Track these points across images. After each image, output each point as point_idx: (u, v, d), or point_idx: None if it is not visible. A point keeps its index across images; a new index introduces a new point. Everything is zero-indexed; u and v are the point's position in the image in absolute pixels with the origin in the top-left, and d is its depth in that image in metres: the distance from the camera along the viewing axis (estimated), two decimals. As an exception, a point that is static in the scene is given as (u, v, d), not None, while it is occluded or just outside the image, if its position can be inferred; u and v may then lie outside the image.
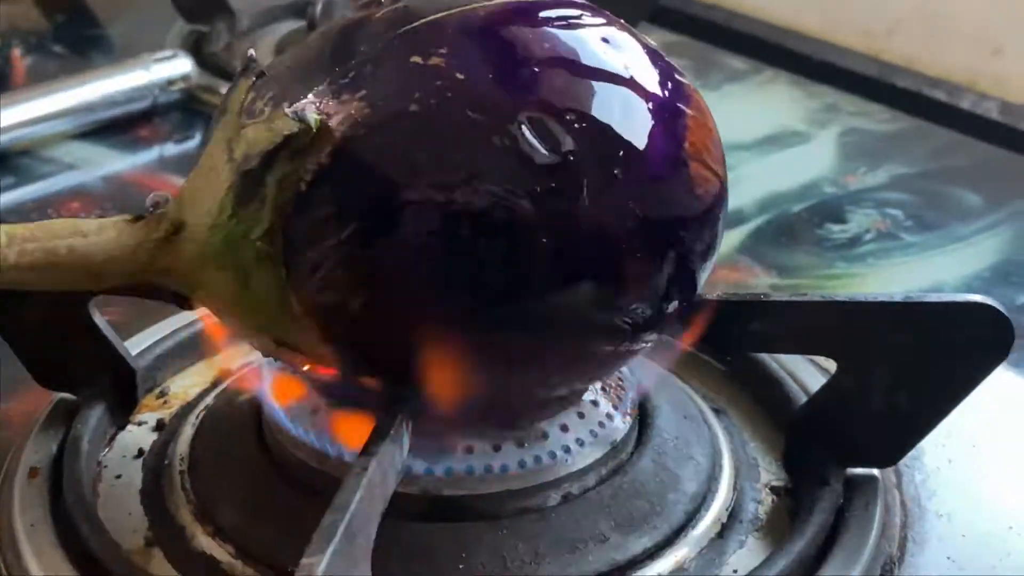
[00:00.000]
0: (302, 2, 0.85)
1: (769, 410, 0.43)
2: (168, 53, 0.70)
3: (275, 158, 0.32)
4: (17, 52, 0.82)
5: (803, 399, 0.41)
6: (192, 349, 0.45)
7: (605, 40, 0.35)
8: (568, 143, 0.32)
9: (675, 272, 0.34)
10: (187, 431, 0.40)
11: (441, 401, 0.33)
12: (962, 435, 0.42)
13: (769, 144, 0.68)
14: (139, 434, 0.42)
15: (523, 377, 0.34)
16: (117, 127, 0.68)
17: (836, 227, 0.59)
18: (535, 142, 0.32)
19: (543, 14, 0.34)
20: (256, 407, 0.39)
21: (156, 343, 0.45)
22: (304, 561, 0.26)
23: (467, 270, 0.31)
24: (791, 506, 0.39)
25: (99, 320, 0.41)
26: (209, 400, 0.42)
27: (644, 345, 0.36)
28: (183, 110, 0.71)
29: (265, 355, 0.35)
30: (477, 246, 0.31)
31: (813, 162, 0.66)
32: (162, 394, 0.44)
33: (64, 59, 0.81)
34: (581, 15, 0.35)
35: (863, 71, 0.82)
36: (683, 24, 0.92)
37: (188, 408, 0.43)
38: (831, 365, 0.44)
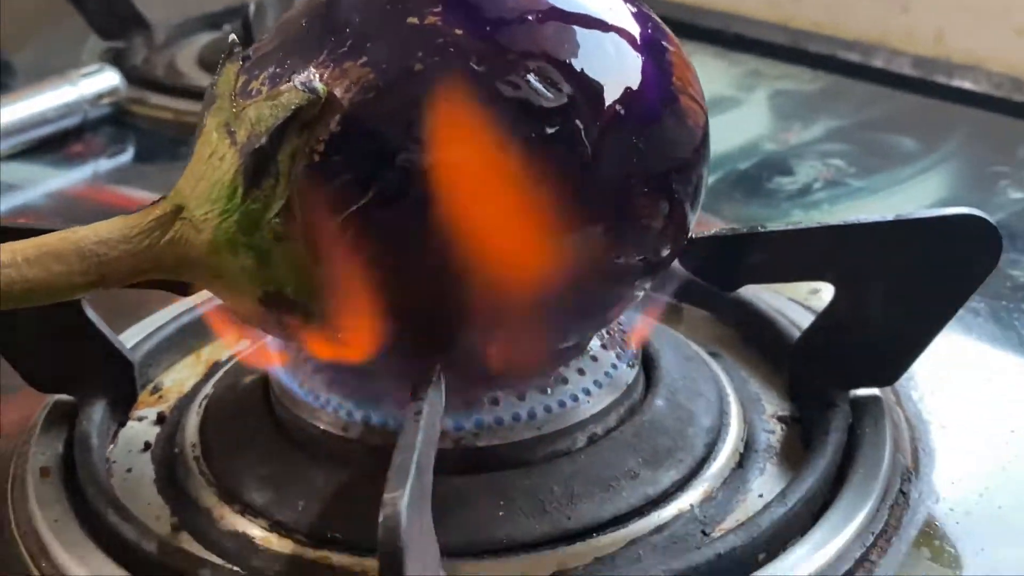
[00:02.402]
0: (218, 13, 0.85)
1: (762, 349, 0.44)
2: (94, 67, 0.69)
3: (284, 133, 0.31)
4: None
5: (795, 334, 0.42)
6: (180, 343, 0.45)
7: (588, -13, 0.35)
8: (570, 86, 0.32)
9: (676, 207, 0.35)
10: (192, 420, 0.40)
11: (471, 352, 0.33)
12: (950, 351, 0.43)
13: (704, 110, 0.69)
14: (141, 429, 0.41)
15: (541, 323, 0.34)
16: (50, 145, 0.66)
17: (785, 179, 0.60)
18: (541, 87, 0.32)
19: (524, -32, 0.35)
20: (262, 388, 0.39)
21: (144, 339, 0.44)
22: (387, 496, 0.26)
23: (489, 219, 0.32)
24: (801, 433, 0.39)
25: (92, 316, 0.40)
26: (208, 389, 0.41)
27: (649, 283, 0.36)
28: (114, 124, 0.70)
29: (287, 340, 0.35)
30: (497, 195, 0.31)
31: (750, 124, 0.68)
32: (156, 389, 0.43)
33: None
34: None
35: (775, 40, 0.84)
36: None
37: (187, 400, 0.42)
38: (815, 302, 0.46)
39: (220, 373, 0.42)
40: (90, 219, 0.59)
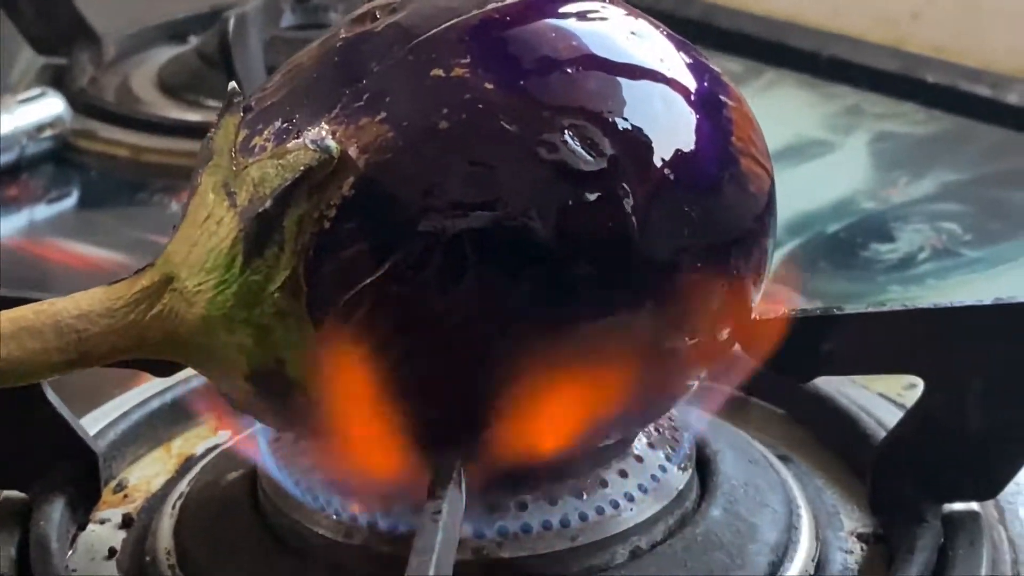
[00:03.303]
0: (180, 21, 0.93)
1: (841, 452, 0.50)
2: (35, 92, 0.76)
3: (292, 196, 0.38)
4: None
5: (881, 434, 0.49)
6: (147, 434, 0.52)
7: (633, 33, 0.42)
8: (614, 147, 0.39)
9: (735, 285, 0.41)
10: (165, 522, 0.46)
11: (496, 446, 0.40)
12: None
13: (788, 157, 0.76)
14: (104, 533, 0.47)
15: (578, 416, 0.41)
16: (-23, 187, 0.74)
17: (884, 247, 0.67)
18: (580, 149, 0.38)
19: (563, 9, 0.42)
20: (248, 485, 0.45)
21: (106, 428, 0.51)
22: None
23: (521, 296, 0.38)
24: (885, 553, 0.46)
25: (53, 398, 0.46)
26: (183, 487, 0.48)
27: (704, 372, 0.43)
28: (57, 161, 0.77)
29: (283, 429, 0.42)
30: (531, 268, 0.38)
31: (844, 174, 0.74)
32: (120, 487, 0.50)
33: None
34: (601, 7, 0.42)
35: (884, 66, 0.91)
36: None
37: (157, 500, 0.48)
38: (906, 396, 0.52)
39: (196, 469, 0.49)
40: (27, 278, 0.67)
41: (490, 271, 0.38)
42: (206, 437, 0.52)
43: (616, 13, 0.42)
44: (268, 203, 0.38)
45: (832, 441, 0.51)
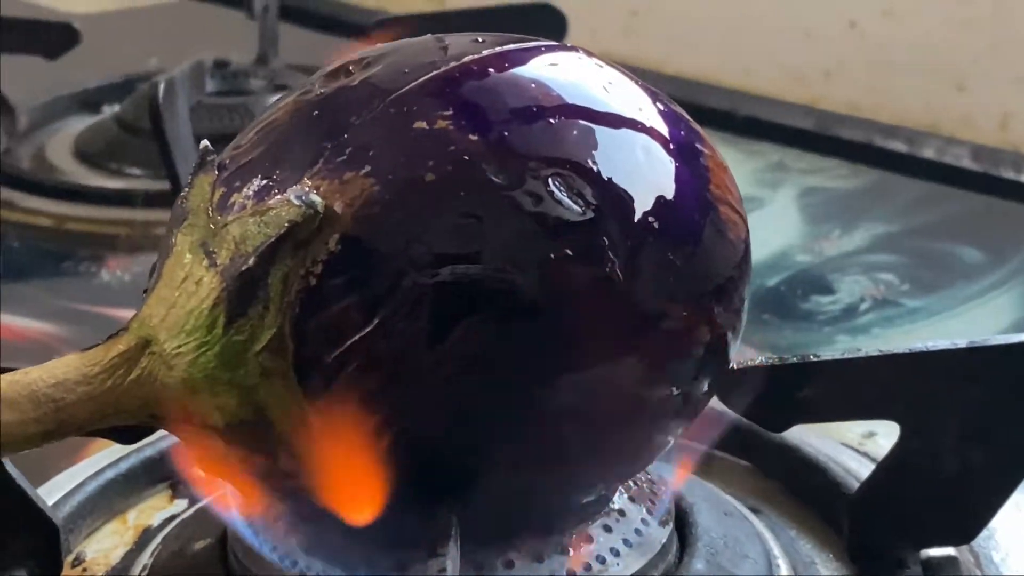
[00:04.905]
0: (93, 90, 0.92)
1: (813, 503, 0.50)
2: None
3: (276, 252, 0.37)
4: None
5: (852, 484, 0.49)
6: (103, 506, 0.50)
7: (610, 83, 0.42)
8: (597, 196, 0.39)
9: (716, 332, 0.41)
10: (131, 597, 0.45)
11: (488, 503, 0.39)
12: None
13: (720, 213, 0.76)
14: (66, 610, 0.46)
15: (566, 469, 0.40)
16: None
17: (824, 299, 0.67)
18: (566, 199, 0.38)
19: (538, 60, 0.41)
20: (218, 554, 0.44)
21: (62, 500, 0.49)
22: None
23: (511, 347, 0.37)
24: (865, 601, 0.45)
25: (12, 469, 0.45)
26: (146, 559, 0.47)
27: (685, 423, 0.42)
28: (-23, 235, 0.75)
29: (266, 493, 0.40)
30: (520, 319, 0.37)
31: (776, 229, 0.75)
32: (78, 561, 0.48)
33: None
34: (576, 59, 0.42)
35: (800, 125, 0.92)
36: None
37: (118, 573, 0.47)
38: (871, 447, 0.52)
39: (156, 540, 0.48)
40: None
41: (480, 323, 0.37)
42: (162, 508, 0.51)
43: (590, 63, 0.42)
44: (252, 260, 0.37)
45: (801, 492, 0.50)
